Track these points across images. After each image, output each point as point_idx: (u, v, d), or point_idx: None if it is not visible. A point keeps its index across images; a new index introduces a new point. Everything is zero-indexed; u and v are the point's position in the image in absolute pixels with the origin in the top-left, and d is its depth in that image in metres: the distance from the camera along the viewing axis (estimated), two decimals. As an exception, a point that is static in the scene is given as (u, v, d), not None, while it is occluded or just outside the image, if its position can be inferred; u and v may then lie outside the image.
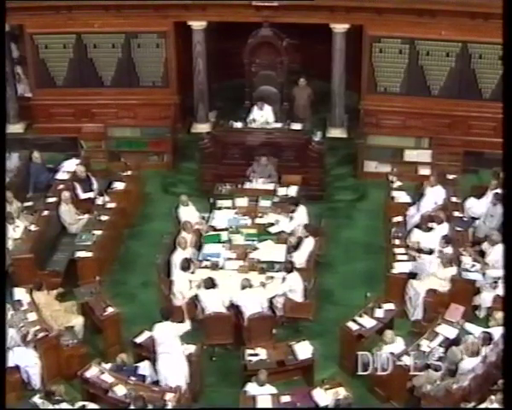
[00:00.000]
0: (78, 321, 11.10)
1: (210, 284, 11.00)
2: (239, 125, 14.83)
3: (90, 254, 12.12)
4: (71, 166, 14.43)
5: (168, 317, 10.08)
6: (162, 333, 9.97)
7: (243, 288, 10.95)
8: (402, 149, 14.99)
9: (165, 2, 15.10)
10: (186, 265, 11.34)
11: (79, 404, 9.52)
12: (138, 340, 10.49)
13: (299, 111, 15.63)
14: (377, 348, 10.18)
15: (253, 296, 10.93)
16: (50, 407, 9.36)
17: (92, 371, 9.92)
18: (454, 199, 13.28)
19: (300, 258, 11.85)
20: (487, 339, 9.93)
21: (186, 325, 10.18)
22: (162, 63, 15.77)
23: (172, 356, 9.91)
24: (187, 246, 11.89)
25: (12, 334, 10.36)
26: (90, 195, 13.83)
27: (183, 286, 11.24)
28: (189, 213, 12.87)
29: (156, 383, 10.00)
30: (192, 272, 11.43)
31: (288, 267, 11.30)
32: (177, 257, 11.59)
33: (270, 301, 11.17)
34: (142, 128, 15.62)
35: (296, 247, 12.13)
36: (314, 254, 12.03)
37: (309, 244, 12.00)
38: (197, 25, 15.50)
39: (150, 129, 15.60)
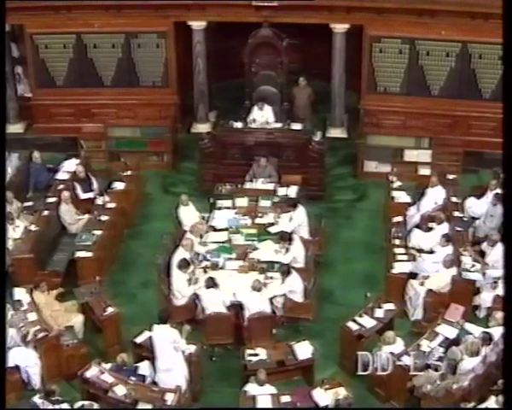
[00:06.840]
0: (77, 319, 11.10)
1: (211, 283, 10.99)
2: (239, 125, 14.83)
3: (90, 254, 12.12)
4: (71, 166, 14.43)
5: (166, 320, 10.05)
6: (159, 337, 9.95)
7: (254, 289, 10.88)
8: (402, 149, 15.00)
9: (165, 2, 15.11)
10: (183, 264, 11.31)
11: (79, 404, 9.52)
12: (138, 340, 10.47)
13: (299, 111, 15.64)
14: (377, 348, 10.18)
15: (260, 298, 10.89)
16: (50, 406, 9.36)
17: (92, 371, 9.90)
18: (454, 199, 13.27)
19: (287, 259, 11.73)
20: (487, 339, 9.93)
21: (183, 343, 10.07)
22: (162, 63, 15.77)
23: (168, 360, 9.89)
24: (192, 248, 11.87)
25: (12, 334, 10.35)
26: (90, 195, 13.83)
27: (182, 285, 11.23)
28: (189, 213, 12.86)
29: (156, 383, 9.99)
30: (191, 272, 11.43)
31: (285, 270, 11.25)
32: (178, 257, 11.55)
33: (270, 301, 11.15)
34: (142, 128, 15.61)
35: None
36: (314, 255, 12.04)
37: (298, 247, 11.93)
38: (197, 25, 15.50)
39: (150, 129, 15.59)
